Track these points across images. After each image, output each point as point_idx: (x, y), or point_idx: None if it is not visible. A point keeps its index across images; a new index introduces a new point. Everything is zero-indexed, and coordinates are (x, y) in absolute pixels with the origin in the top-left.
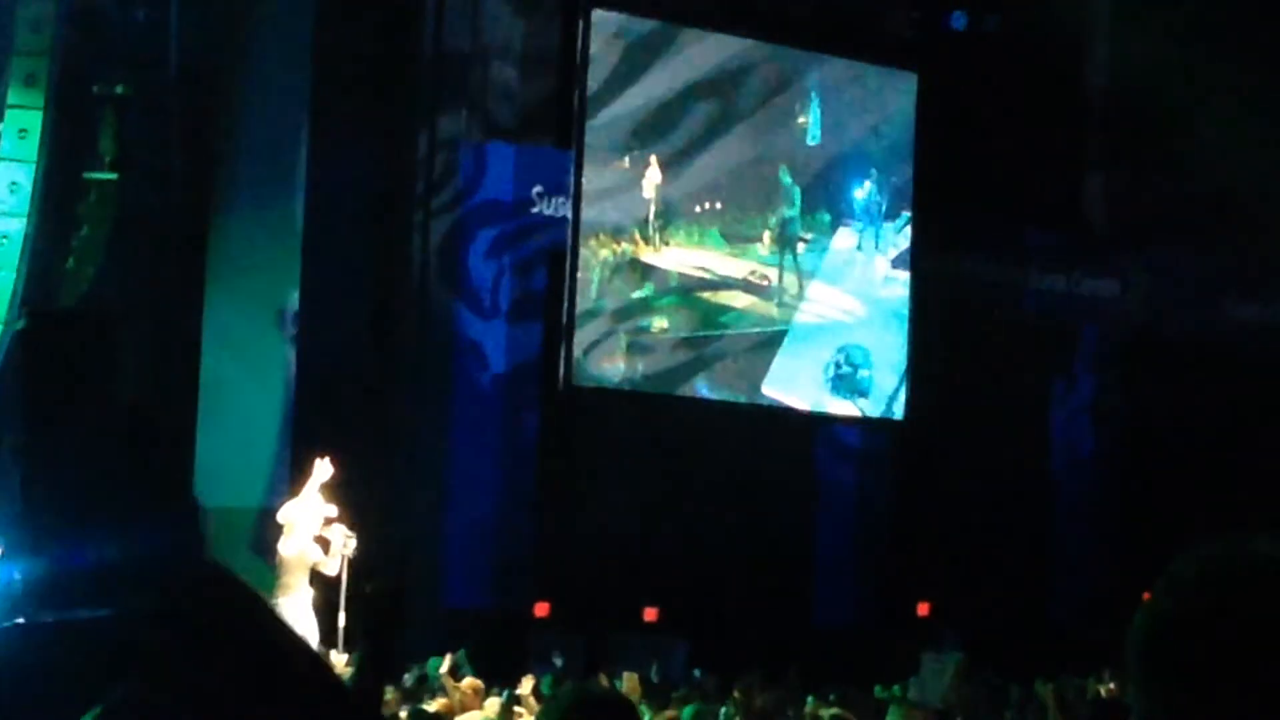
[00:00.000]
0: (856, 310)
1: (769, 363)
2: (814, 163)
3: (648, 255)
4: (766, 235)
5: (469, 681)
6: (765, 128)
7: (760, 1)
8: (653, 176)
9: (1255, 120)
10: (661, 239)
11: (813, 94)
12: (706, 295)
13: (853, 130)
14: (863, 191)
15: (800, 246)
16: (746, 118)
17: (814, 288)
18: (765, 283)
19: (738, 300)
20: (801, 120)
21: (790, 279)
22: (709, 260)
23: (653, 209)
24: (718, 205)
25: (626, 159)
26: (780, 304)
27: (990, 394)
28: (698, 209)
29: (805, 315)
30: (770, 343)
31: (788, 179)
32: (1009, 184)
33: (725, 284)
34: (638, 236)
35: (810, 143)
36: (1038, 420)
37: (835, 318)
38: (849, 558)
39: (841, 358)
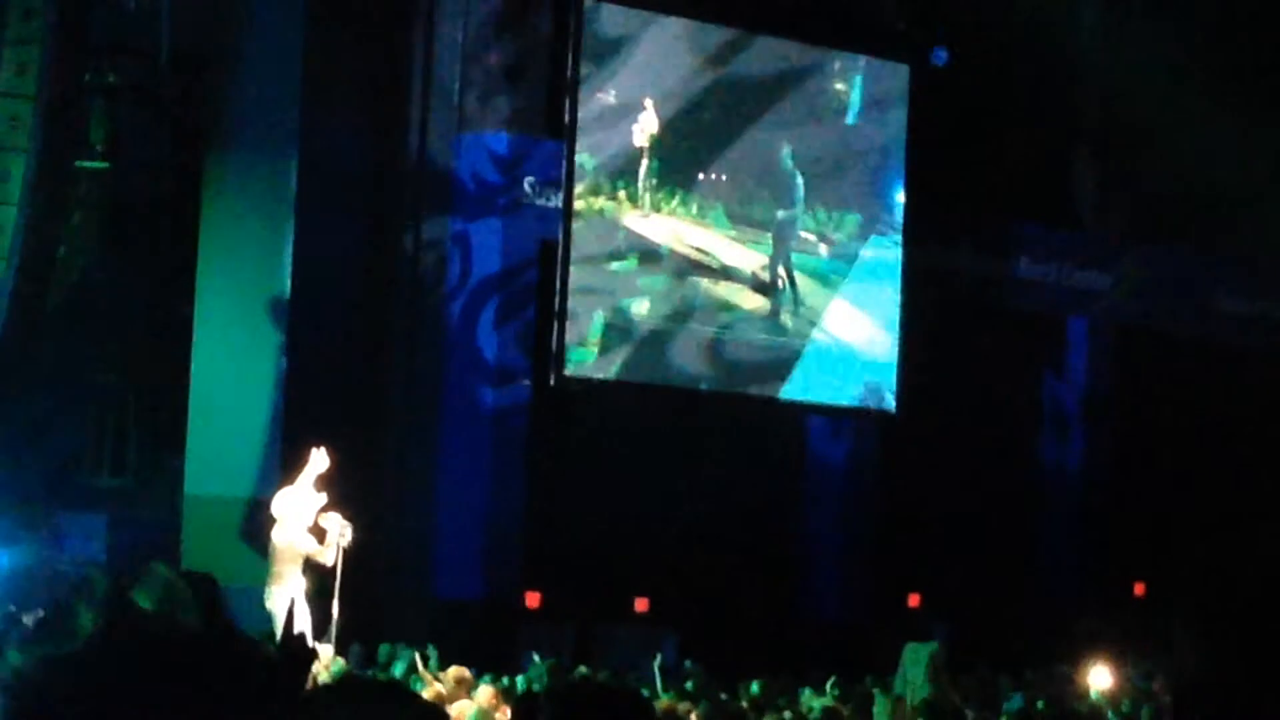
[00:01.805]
0: (887, 342)
1: (779, 384)
2: (837, 150)
3: (632, 218)
4: (773, 223)
5: (454, 671)
6: (778, 97)
7: None
8: (647, 122)
9: (1245, 114)
10: (652, 202)
11: (860, 70)
12: (705, 284)
13: (896, 125)
14: (904, 197)
15: (823, 249)
16: (761, 81)
17: (838, 306)
18: (779, 284)
19: (743, 298)
20: (839, 88)
21: (808, 285)
22: (710, 242)
23: (645, 163)
24: (722, 177)
25: (612, 91)
26: (795, 315)
27: (980, 386)
28: (700, 176)
29: (824, 336)
30: (782, 359)
31: (789, 162)
32: (999, 177)
33: (728, 274)
34: (622, 194)
35: (849, 122)
36: (1028, 412)
37: (861, 347)
38: (840, 549)
39: (872, 400)
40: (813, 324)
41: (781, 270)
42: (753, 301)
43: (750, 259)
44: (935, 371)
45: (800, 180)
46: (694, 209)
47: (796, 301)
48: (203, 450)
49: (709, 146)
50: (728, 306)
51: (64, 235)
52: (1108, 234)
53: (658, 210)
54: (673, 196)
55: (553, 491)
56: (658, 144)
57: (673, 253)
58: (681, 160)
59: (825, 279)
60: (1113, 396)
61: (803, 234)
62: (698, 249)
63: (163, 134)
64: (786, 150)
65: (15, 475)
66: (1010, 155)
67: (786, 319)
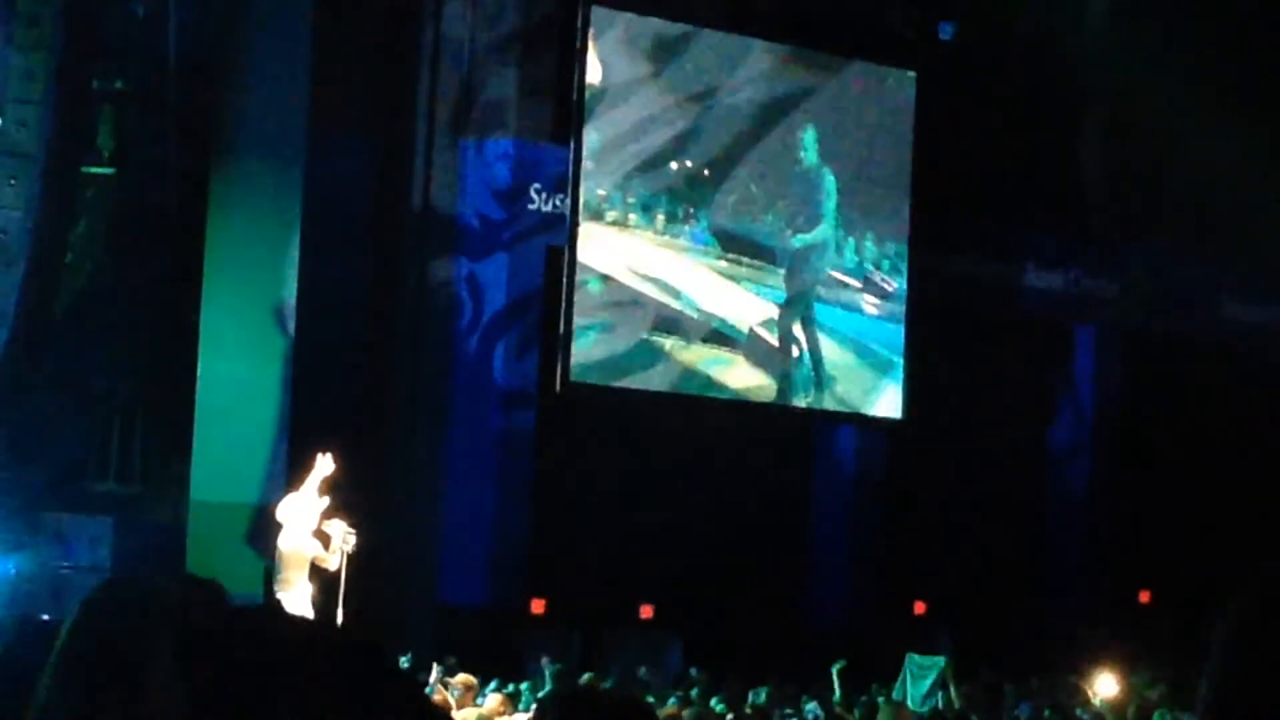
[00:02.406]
0: None
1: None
2: (892, 140)
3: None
4: (787, 254)
5: (462, 678)
6: (807, 82)
7: (761, 2)
8: (589, 71)
9: (1253, 120)
10: (590, 205)
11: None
12: (670, 344)
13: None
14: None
15: (868, 302)
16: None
17: (892, 397)
18: (793, 352)
19: (734, 372)
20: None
21: (840, 358)
22: (683, 274)
23: (584, 147)
24: (706, 171)
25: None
26: (810, 396)
27: (987, 393)
28: (673, 166)
29: None
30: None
31: (813, 153)
32: (1005, 183)
33: (714, 332)
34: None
35: (912, 94)
36: (1035, 419)
37: None
38: (845, 556)
39: None
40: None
41: (798, 330)
42: (749, 378)
43: (748, 307)
44: (942, 378)
45: (831, 182)
46: (659, 221)
47: (820, 382)
48: (209, 456)
49: (690, 131)
50: (707, 383)
51: (71, 241)
52: (1115, 241)
53: (597, 218)
54: (623, 198)
55: (558, 497)
56: (605, 121)
57: (615, 288)
58: (642, 146)
59: (870, 351)
60: (1120, 403)
61: (834, 274)
62: (661, 285)
63: (170, 140)
64: (809, 135)
65: (21, 480)
66: (1016, 162)
67: (798, 406)
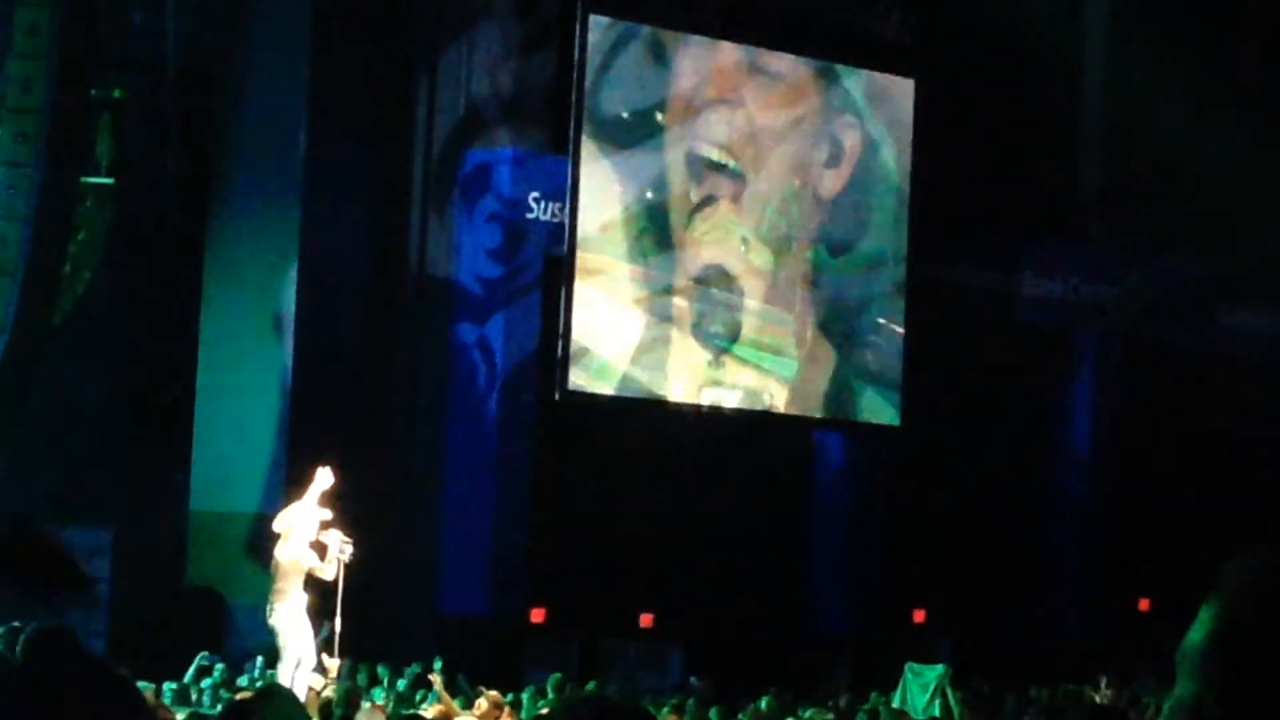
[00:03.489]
0: None
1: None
2: (890, 158)
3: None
4: (802, 288)
5: (492, 694)
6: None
7: (760, 9)
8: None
9: (1251, 127)
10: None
11: None
12: None
13: None
14: None
15: None
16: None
17: None
18: None
19: None
20: None
21: None
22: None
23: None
24: (672, 135)
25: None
26: None
27: (987, 400)
28: (652, 207)
29: None
30: None
31: (862, 106)
32: (1006, 192)
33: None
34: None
35: None
36: (1034, 427)
37: None
38: (845, 564)
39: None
40: None
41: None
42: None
43: (747, 383)
44: (941, 386)
45: (888, 158)
46: (611, 253)
47: None
48: (208, 466)
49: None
50: None
51: (70, 251)
52: (1114, 248)
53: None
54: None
55: (558, 507)
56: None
57: None
58: (623, 191)
59: None
60: (1119, 409)
61: (891, 323)
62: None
63: (168, 149)
64: (854, 88)
65: (21, 490)
66: (1016, 170)
67: None
